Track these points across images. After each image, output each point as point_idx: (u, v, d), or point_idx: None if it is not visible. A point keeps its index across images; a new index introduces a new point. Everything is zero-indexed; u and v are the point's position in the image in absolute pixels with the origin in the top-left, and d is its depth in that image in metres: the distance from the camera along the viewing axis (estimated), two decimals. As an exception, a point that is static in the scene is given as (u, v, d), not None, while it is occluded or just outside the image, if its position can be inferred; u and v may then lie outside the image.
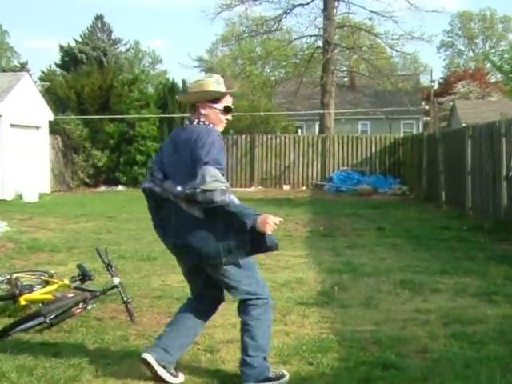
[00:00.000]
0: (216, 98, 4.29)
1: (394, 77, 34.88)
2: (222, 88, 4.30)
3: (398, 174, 24.44)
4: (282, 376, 4.29)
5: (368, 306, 6.42)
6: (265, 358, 4.25)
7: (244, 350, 4.26)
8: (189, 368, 4.58)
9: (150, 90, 28.64)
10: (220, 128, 4.38)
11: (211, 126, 4.28)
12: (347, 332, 5.46)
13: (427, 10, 46.16)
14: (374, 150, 25.17)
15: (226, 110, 4.36)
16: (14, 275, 6.34)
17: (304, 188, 24.83)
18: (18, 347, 5.06)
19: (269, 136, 26.29)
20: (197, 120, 4.29)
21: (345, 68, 39.94)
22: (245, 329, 4.25)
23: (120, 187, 24.59)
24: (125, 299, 5.69)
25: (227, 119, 4.42)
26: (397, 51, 32.51)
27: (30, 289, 6.13)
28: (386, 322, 5.79)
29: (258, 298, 4.25)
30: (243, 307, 4.27)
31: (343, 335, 5.35)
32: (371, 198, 20.86)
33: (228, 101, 4.37)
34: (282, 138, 26.06)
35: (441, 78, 59.13)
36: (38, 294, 6.10)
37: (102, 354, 4.93)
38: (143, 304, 6.30)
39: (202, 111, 4.28)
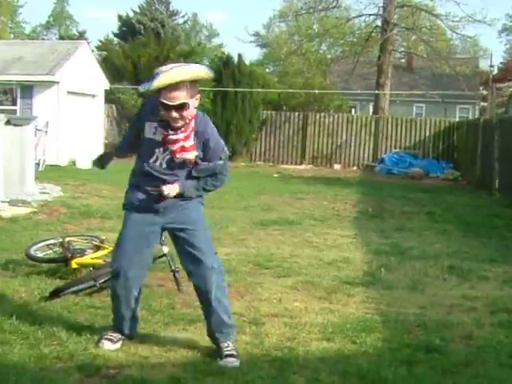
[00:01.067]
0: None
1: (452, 60, 34.25)
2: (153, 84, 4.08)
3: (452, 158, 24.06)
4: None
5: (414, 289, 6.39)
6: None
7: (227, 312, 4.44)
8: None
9: (206, 62, 28.72)
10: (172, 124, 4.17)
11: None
12: (392, 314, 5.45)
13: (491, -7, 45.02)
14: (427, 133, 24.80)
15: (162, 106, 4.12)
16: (67, 239, 6.50)
17: (355, 168, 24.67)
18: (67, 309, 5.20)
19: (322, 114, 26.11)
20: None
21: (402, 49, 39.28)
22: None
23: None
24: (173, 268, 5.77)
25: (168, 116, 4.13)
26: (457, 34, 31.93)
27: (82, 253, 6.28)
28: (432, 307, 5.76)
29: None
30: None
31: (388, 316, 5.35)
32: (422, 181, 20.62)
33: (163, 96, 4.08)
34: (335, 116, 25.86)
35: (501, 63, 57.74)
36: (89, 258, 6.25)
37: (149, 319, 5.03)
38: (190, 274, 6.36)
39: None
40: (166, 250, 5.86)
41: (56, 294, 5.46)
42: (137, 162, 4.43)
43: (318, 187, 16.57)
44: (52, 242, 6.68)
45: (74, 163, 19.99)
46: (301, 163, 25.05)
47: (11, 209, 10.45)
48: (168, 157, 4.23)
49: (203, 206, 4.53)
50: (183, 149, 4.19)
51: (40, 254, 6.46)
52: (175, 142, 4.18)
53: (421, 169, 22.42)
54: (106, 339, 4.42)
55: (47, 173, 16.53)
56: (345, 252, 8.18)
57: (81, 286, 5.61)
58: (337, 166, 24.75)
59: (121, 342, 4.45)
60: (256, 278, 6.49)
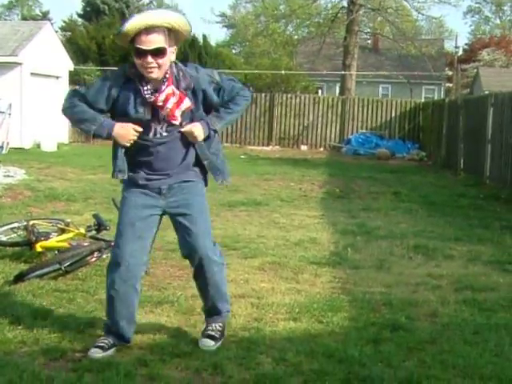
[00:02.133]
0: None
1: (418, 41, 34.49)
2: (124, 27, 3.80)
3: (417, 139, 24.25)
4: None
5: (380, 268, 6.44)
6: None
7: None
8: (200, 320, 4.63)
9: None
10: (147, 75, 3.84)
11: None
12: (358, 293, 5.48)
13: (456, -26, 45.31)
14: (393, 114, 24.95)
15: (136, 52, 3.80)
16: (31, 222, 6.42)
17: (322, 149, 24.74)
18: (32, 293, 5.14)
19: (289, 95, 26.10)
20: None
21: (369, 30, 39.49)
22: None
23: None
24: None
25: (143, 64, 3.80)
26: (422, 15, 32.25)
27: (47, 236, 6.20)
28: (398, 285, 5.81)
29: None
30: None
31: (354, 296, 5.38)
32: (389, 162, 20.77)
33: (137, 41, 3.77)
34: (302, 97, 25.87)
35: (466, 45, 58.32)
36: (54, 241, 6.18)
37: (115, 302, 4.99)
38: (157, 256, 6.34)
39: None
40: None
41: (20, 277, 5.40)
42: None
43: (285, 168, 16.59)
44: (16, 225, 6.59)
45: (38, 146, 19.73)
46: (268, 144, 25.05)
47: (-26, 192, 10.30)
48: (165, 124, 3.94)
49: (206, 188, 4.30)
50: (177, 104, 3.88)
51: (4, 238, 6.38)
52: (165, 101, 3.85)
53: (387, 149, 22.58)
54: (96, 347, 4.00)
55: (11, 156, 16.33)
56: (312, 232, 8.20)
57: (46, 270, 5.55)
58: (304, 147, 24.80)
59: (113, 349, 4.04)
60: (223, 260, 6.47)
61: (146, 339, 4.28)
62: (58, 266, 5.56)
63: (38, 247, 6.07)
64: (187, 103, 3.91)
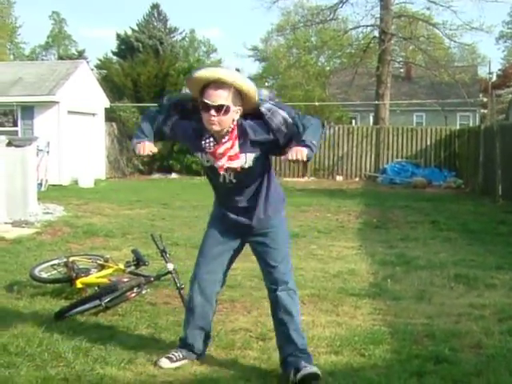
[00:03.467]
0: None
1: (451, 68, 34.36)
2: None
3: (454, 166, 24.05)
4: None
5: (421, 299, 6.35)
6: None
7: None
8: (241, 355, 4.61)
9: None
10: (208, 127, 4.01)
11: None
12: (400, 324, 5.41)
13: (487, 0, 45.12)
14: (429, 142, 24.80)
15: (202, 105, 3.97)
16: (71, 258, 6.48)
17: (357, 179, 24.66)
18: (73, 329, 5.16)
19: (323, 126, 26.09)
20: None
21: (401, 58, 39.41)
22: None
23: (174, 175, 24.80)
24: (178, 285, 5.74)
25: (205, 117, 3.97)
26: (455, 42, 32.05)
27: (86, 272, 6.25)
28: (440, 316, 5.72)
29: None
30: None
31: (396, 327, 5.31)
32: (425, 190, 20.60)
33: (205, 94, 3.93)
34: (336, 128, 25.89)
35: (499, 70, 57.83)
36: (94, 277, 6.22)
37: (156, 338, 5.00)
38: (196, 290, 6.33)
39: None
40: (171, 267, 5.83)
41: (62, 314, 5.44)
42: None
43: (320, 199, 16.55)
44: (56, 262, 6.66)
45: (76, 182, 20.01)
46: (303, 176, 25.05)
47: (15, 230, 10.44)
48: (232, 172, 4.14)
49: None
50: (230, 158, 4.04)
51: (44, 275, 6.45)
52: (223, 155, 4.03)
53: (423, 178, 22.42)
54: (165, 357, 4.37)
55: (50, 193, 16.56)
56: (350, 264, 8.14)
57: (86, 306, 5.58)
58: (339, 178, 24.75)
59: (182, 361, 4.38)
60: (262, 293, 6.41)
61: (188, 375, 4.27)
62: (98, 302, 5.58)
63: (79, 283, 6.12)
64: (239, 163, 4.06)
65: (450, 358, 4.55)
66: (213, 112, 3.88)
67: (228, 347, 4.75)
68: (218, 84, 3.88)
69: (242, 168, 4.08)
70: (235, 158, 4.03)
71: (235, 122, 4.01)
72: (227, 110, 3.90)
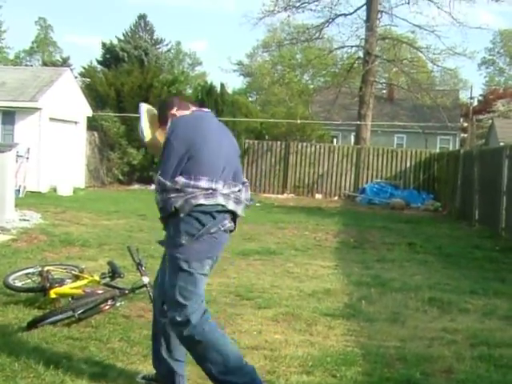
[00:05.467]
0: None
1: (433, 91, 34.69)
2: None
3: (432, 189, 24.24)
4: None
5: (395, 321, 6.38)
6: None
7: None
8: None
9: (189, 91, 28.82)
10: None
11: None
12: (372, 347, 5.43)
13: (471, 27, 45.65)
14: (408, 164, 25.00)
15: None
16: (46, 268, 6.43)
17: (336, 198, 24.76)
18: (45, 340, 5.13)
19: (304, 144, 26.26)
20: None
21: (384, 80, 39.77)
22: None
23: (153, 186, 24.66)
24: (153, 298, 5.72)
25: None
26: (438, 66, 32.37)
27: (61, 282, 6.21)
28: (412, 339, 5.75)
29: None
30: None
31: (368, 349, 5.33)
32: (403, 212, 20.72)
33: None
34: (317, 146, 26.01)
35: (480, 96, 58.52)
36: (68, 288, 6.18)
37: (128, 351, 4.98)
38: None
39: None
40: (146, 280, 5.82)
41: (34, 324, 5.39)
42: None
43: (299, 217, 16.59)
44: (31, 270, 6.61)
45: (54, 190, 19.88)
46: (282, 192, 25.11)
47: (-10, 236, 10.35)
48: None
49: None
50: None
51: (18, 283, 6.40)
52: None
53: (402, 199, 22.56)
54: None
55: (27, 199, 16.44)
56: (326, 283, 8.16)
57: (59, 317, 5.55)
58: (318, 196, 24.83)
59: None
60: (236, 309, 6.46)
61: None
62: (71, 313, 5.55)
63: (52, 293, 6.07)
64: None
65: (421, 382, 4.58)
66: None
67: (200, 363, 4.73)
68: None
69: None
70: None
71: None
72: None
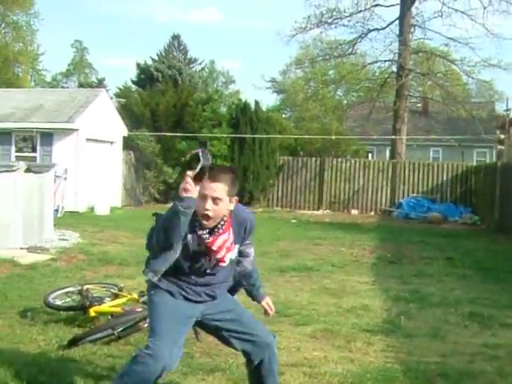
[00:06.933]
0: None
1: (468, 104, 34.31)
2: None
3: (470, 203, 23.95)
4: None
5: (435, 337, 6.31)
6: None
7: None
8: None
9: (223, 109, 28.98)
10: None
11: None
12: (413, 362, 5.38)
13: (505, 38, 45.21)
14: (445, 177, 24.76)
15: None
16: (85, 287, 6.51)
17: (372, 213, 24.60)
18: (85, 357, 5.18)
19: (339, 159, 26.18)
20: None
21: (418, 94, 39.50)
22: None
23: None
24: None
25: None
26: (473, 78, 32.02)
27: (100, 301, 6.28)
28: (453, 355, 5.68)
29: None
30: None
31: (408, 365, 5.28)
32: (441, 226, 20.50)
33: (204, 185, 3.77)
34: (352, 161, 25.91)
35: (517, 107, 57.72)
36: (108, 306, 6.25)
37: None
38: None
39: None
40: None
41: (74, 342, 5.46)
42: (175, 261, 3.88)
43: (335, 233, 16.52)
44: (70, 289, 6.70)
45: (92, 209, 20.10)
46: (318, 208, 25.03)
47: (30, 255, 10.51)
48: (213, 264, 3.91)
49: None
50: (228, 249, 3.90)
51: (58, 302, 6.48)
52: (220, 248, 3.86)
53: (439, 213, 22.33)
54: None
55: (66, 219, 16.64)
56: (364, 299, 8.11)
57: (99, 335, 5.60)
58: (354, 211, 24.70)
59: None
60: (275, 326, 6.43)
61: (198, 408, 4.26)
62: (111, 331, 5.60)
63: (92, 312, 6.14)
64: (235, 252, 3.98)
65: (463, 399, 4.51)
66: (209, 203, 3.75)
67: (240, 381, 4.73)
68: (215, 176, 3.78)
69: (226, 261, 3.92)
70: (231, 248, 3.92)
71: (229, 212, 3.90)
72: (222, 200, 3.79)
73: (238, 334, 4.01)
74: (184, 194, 3.56)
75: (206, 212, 3.74)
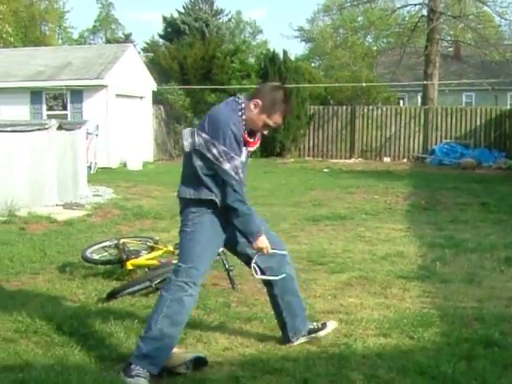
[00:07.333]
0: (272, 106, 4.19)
1: (501, 46, 33.54)
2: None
3: (504, 147, 23.59)
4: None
5: (471, 282, 6.29)
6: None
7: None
8: (289, 337, 4.65)
9: (251, 60, 28.77)
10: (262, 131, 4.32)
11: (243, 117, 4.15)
12: (449, 307, 5.38)
13: (540, -24, 44.02)
14: (478, 122, 24.37)
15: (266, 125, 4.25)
16: (122, 240, 6.59)
17: (405, 160, 24.40)
18: (125, 310, 5.27)
19: (370, 107, 25.91)
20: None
21: (450, 37, 38.71)
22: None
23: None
24: (227, 267, 5.80)
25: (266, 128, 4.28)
26: (505, 19, 31.27)
27: (137, 254, 6.36)
28: (490, 299, 5.67)
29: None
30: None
31: (445, 310, 5.28)
32: (475, 172, 20.28)
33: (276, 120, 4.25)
34: (384, 109, 25.61)
35: (552, 48, 56.39)
36: (144, 259, 6.33)
37: (205, 318, 5.08)
38: (244, 272, 6.36)
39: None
40: (220, 249, 5.88)
41: (113, 295, 5.55)
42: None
43: (368, 181, 16.45)
44: (107, 244, 6.79)
45: (124, 165, 20.26)
46: (350, 157, 24.91)
47: (66, 212, 10.66)
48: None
49: None
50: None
51: (96, 256, 6.58)
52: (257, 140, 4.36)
53: (473, 159, 22.06)
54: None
55: (99, 175, 16.80)
56: (398, 246, 8.10)
57: (137, 287, 5.69)
58: (386, 159, 24.53)
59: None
60: (310, 275, 6.48)
61: (237, 355, 4.33)
62: (148, 283, 5.68)
63: (129, 265, 6.23)
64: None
65: (501, 342, 4.51)
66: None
67: (276, 329, 4.77)
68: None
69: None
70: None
71: None
72: None
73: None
74: None
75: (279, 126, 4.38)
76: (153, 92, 23.52)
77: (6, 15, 33.55)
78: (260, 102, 4.14)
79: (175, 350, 4.16)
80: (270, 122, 4.20)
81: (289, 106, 4.31)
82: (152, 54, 29.73)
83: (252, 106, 4.14)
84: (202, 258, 4.14)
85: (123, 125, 21.03)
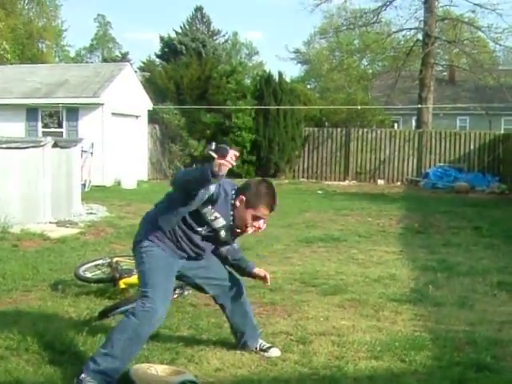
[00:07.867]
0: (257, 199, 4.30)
1: (495, 71, 33.78)
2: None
3: (498, 172, 23.70)
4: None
5: (463, 305, 6.30)
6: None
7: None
8: (281, 358, 4.64)
9: (247, 81, 28.86)
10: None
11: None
12: (441, 331, 5.38)
13: (534, 3, 44.43)
14: (472, 146, 24.50)
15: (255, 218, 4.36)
16: (115, 259, 6.59)
17: (399, 183, 24.48)
18: (117, 328, 5.25)
19: (365, 130, 26.03)
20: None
21: (444, 62, 38.98)
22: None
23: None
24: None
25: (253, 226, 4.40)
26: (500, 45, 31.51)
27: (129, 273, 6.34)
28: (482, 323, 5.68)
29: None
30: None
31: (437, 334, 5.29)
32: (468, 195, 20.34)
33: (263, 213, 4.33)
34: (378, 132, 25.73)
35: (546, 74, 56.77)
36: (137, 278, 6.30)
37: (197, 339, 5.07)
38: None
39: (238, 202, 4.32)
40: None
41: (105, 314, 5.53)
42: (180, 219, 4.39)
43: (362, 203, 16.48)
44: (100, 262, 6.79)
45: (119, 183, 20.26)
46: (344, 179, 24.97)
47: (59, 229, 10.65)
48: (210, 233, 4.40)
49: None
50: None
51: (89, 275, 6.57)
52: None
53: (466, 182, 22.15)
54: None
55: (93, 193, 16.79)
56: (391, 269, 8.11)
57: (129, 306, 5.65)
58: (380, 182, 24.60)
59: None
60: (302, 296, 6.48)
61: (229, 376, 4.32)
62: (140, 302, 5.66)
63: (122, 284, 6.23)
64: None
65: (492, 366, 4.52)
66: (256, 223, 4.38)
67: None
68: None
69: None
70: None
71: None
72: None
73: (209, 279, 4.67)
74: (220, 172, 3.81)
75: (254, 230, 4.41)
76: (148, 111, 23.59)
77: (4, 32, 33.66)
78: (244, 198, 4.29)
79: (166, 370, 4.17)
80: (259, 214, 4.31)
81: (274, 198, 4.35)
82: (148, 74, 29.83)
83: (237, 203, 4.32)
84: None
85: (118, 143, 21.05)
